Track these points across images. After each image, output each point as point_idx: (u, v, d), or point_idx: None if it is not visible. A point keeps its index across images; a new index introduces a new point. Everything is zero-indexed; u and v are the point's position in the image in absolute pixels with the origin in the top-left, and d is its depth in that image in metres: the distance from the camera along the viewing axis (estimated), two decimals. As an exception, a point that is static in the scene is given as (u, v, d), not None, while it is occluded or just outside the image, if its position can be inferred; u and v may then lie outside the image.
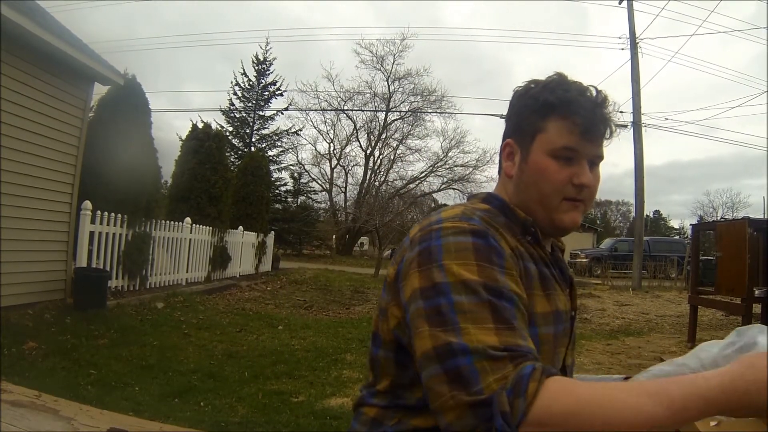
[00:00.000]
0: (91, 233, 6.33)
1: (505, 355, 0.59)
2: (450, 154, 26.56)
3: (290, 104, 24.39)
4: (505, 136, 0.90)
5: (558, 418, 0.56)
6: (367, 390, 0.83)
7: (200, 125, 10.97)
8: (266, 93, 23.57)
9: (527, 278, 0.75)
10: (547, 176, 0.81)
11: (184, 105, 58.75)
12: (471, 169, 26.24)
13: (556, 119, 0.81)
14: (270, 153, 23.08)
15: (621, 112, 15.73)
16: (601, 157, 0.85)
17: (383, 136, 26.74)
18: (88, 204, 6.22)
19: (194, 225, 9.29)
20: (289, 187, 25.23)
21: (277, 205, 22.56)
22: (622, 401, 0.57)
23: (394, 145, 27.01)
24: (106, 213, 6.53)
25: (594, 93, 0.82)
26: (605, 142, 0.85)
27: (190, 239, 9.12)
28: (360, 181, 27.34)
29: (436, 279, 0.66)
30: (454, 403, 0.58)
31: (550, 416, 0.56)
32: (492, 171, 24.61)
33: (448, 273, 0.65)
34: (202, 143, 10.40)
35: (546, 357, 0.74)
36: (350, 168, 27.82)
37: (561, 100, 0.81)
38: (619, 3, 15.72)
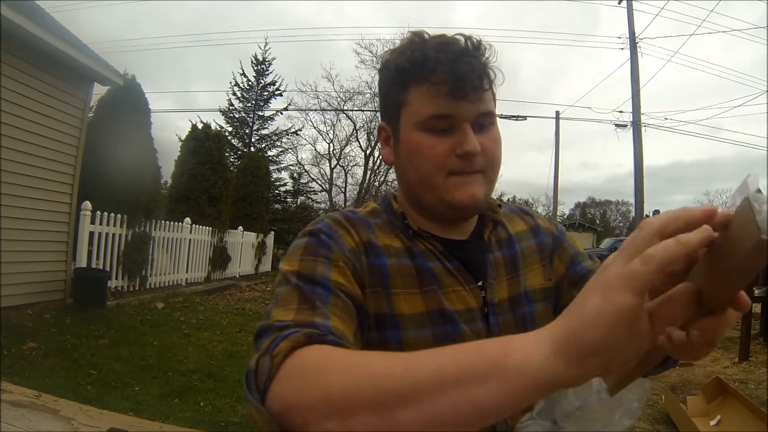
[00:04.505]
0: (91, 233, 6.33)
1: (291, 324, 0.56)
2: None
3: (290, 104, 24.39)
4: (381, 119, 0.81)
5: (298, 382, 0.47)
6: None
7: (200, 125, 10.98)
8: (266, 93, 23.55)
9: (380, 276, 0.70)
10: (421, 153, 0.70)
11: (191, 106, 58.48)
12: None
13: (416, 86, 0.69)
14: (269, 153, 23.03)
15: (620, 111, 15.84)
16: (489, 114, 0.70)
17: (383, 136, 26.77)
18: (87, 204, 6.22)
19: (194, 225, 9.28)
20: (289, 187, 25.16)
21: (277, 206, 22.51)
22: (366, 364, 0.45)
23: (394, 145, 27.05)
24: (105, 213, 6.53)
25: (460, 43, 0.68)
26: (488, 94, 0.70)
27: (190, 239, 9.11)
28: (360, 181, 27.30)
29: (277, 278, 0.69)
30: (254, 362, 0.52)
31: (291, 378, 0.47)
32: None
33: (279, 271, 0.68)
34: (201, 143, 10.41)
35: None
36: (350, 168, 27.78)
37: (414, 61, 0.68)
38: (619, 3, 15.73)
